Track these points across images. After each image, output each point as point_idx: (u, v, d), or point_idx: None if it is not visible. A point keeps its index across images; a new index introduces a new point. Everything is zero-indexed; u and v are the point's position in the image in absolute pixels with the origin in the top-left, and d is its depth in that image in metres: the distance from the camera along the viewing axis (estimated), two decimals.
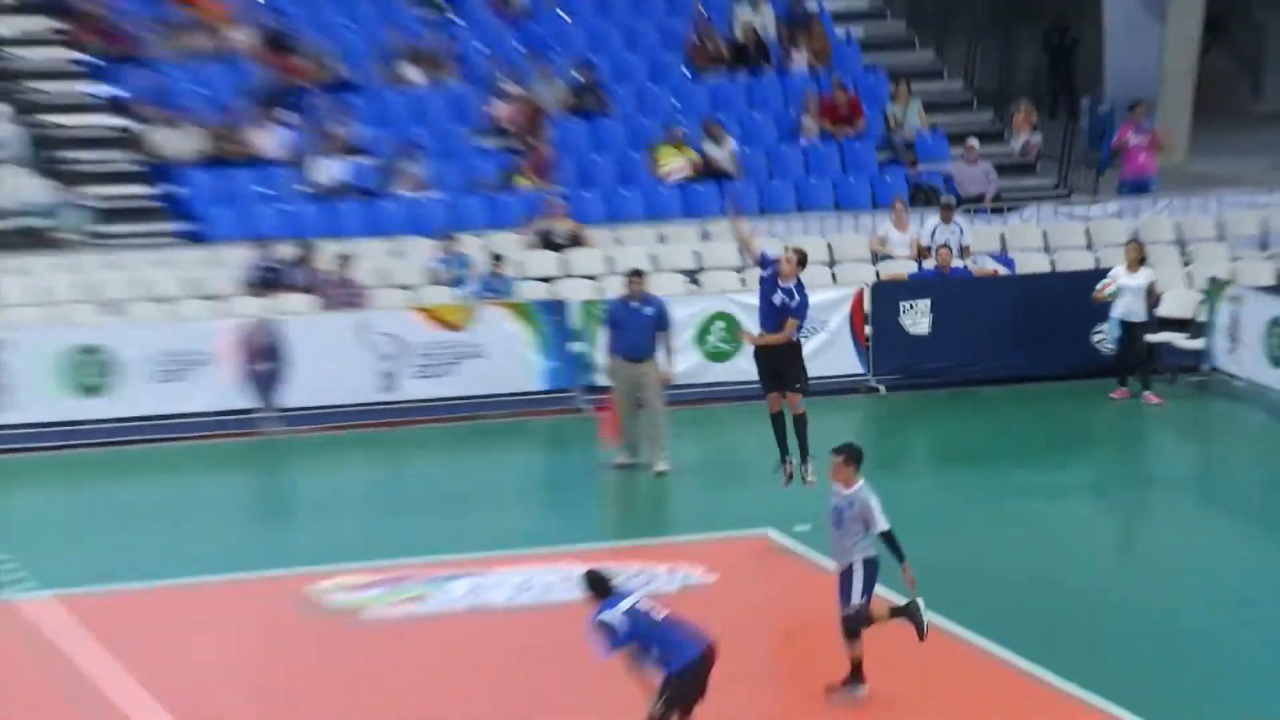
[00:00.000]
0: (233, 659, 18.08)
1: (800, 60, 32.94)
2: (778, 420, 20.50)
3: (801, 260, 20.11)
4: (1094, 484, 24.26)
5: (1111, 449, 25.84)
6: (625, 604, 14.06)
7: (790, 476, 20.80)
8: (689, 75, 32.92)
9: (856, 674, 15.76)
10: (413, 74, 32.17)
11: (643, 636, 13.91)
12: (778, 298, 19.76)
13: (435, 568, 20.14)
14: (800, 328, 20.62)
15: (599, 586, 14.13)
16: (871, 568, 15.71)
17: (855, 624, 15.74)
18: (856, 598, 15.62)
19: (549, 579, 18.85)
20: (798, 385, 20.19)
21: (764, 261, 19.04)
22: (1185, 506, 24.26)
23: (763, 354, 20.31)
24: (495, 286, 27.34)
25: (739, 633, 17.48)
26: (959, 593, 17.85)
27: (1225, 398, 27.11)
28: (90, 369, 25.21)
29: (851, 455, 15.67)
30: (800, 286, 19.84)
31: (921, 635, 15.75)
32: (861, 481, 15.84)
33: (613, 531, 22.36)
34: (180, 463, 25.75)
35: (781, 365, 20.02)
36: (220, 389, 25.37)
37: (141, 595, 19.76)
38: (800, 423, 20.36)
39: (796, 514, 19.81)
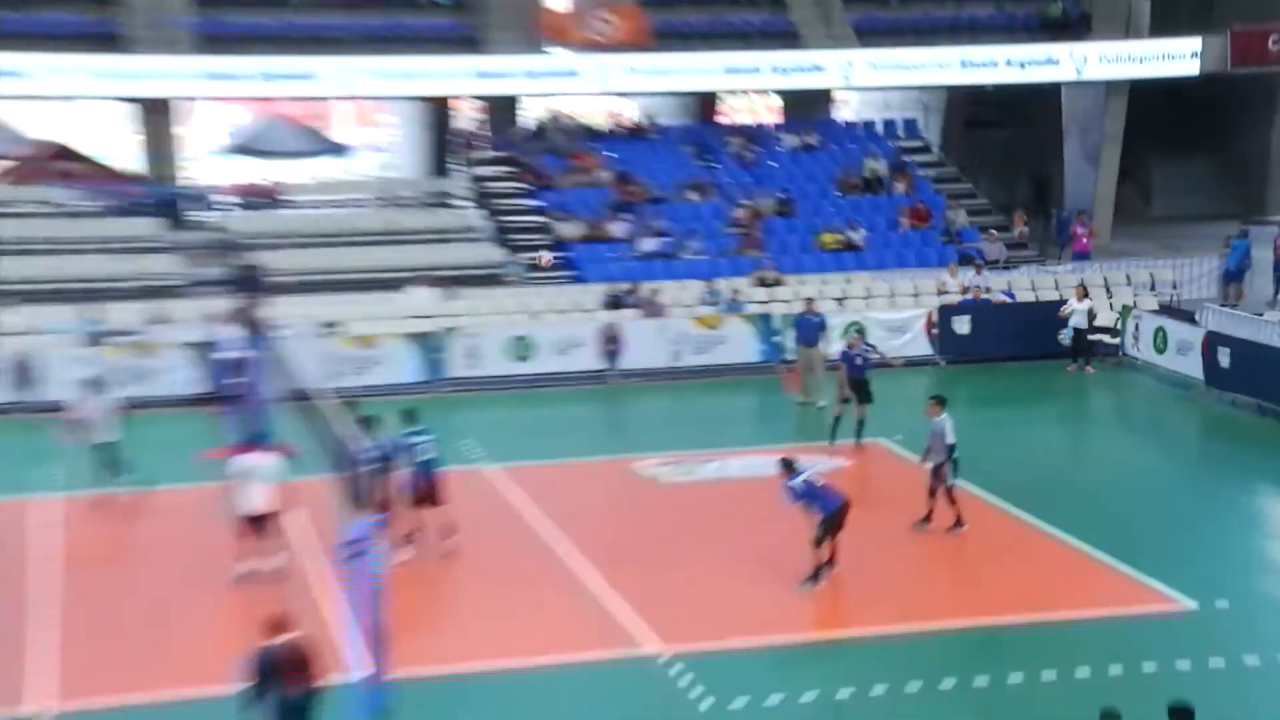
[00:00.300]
0: (596, 501, 22.70)
1: (899, 187, 38.31)
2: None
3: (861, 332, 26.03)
4: (1060, 414, 29.65)
5: (1068, 397, 30.54)
6: (802, 477, 18.14)
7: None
8: (839, 195, 38.28)
9: (957, 520, 20.28)
10: (692, 195, 37.34)
11: (810, 495, 18.08)
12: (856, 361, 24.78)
13: (700, 456, 24.65)
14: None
15: (788, 466, 18.30)
16: (949, 464, 20.10)
17: (938, 483, 20.20)
18: (949, 479, 20.20)
19: (762, 461, 22.23)
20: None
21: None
22: (1108, 426, 29.74)
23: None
24: (734, 307, 32.13)
25: (859, 492, 20.92)
26: (989, 472, 22.12)
27: (1130, 370, 31.48)
28: (521, 347, 30.58)
29: (939, 400, 20.62)
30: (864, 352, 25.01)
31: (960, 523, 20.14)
32: (944, 414, 20.32)
33: (795, 438, 25.77)
34: (569, 398, 29.94)
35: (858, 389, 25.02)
36: (589, 359, 30.69)
37: (548, 467, 24.31)
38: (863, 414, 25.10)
39: (895, 431, 25.52)
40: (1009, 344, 31.75)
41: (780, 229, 36.27)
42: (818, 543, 17.97)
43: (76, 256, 33.32)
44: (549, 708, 15.57)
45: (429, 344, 29.85)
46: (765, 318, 31.37)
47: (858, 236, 35.93)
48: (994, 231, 37.25)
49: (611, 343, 30.69)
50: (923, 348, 31.86)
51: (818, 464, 20.45)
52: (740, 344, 31.19)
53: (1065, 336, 31.09)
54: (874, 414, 25.40)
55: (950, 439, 19.83)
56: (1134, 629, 17.49)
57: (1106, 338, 31.94)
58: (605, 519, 21.82)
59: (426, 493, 19.57)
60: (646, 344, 30.78)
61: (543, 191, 37.13)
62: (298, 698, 12.59)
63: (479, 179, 38.15)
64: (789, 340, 29.88)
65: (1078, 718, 13.54)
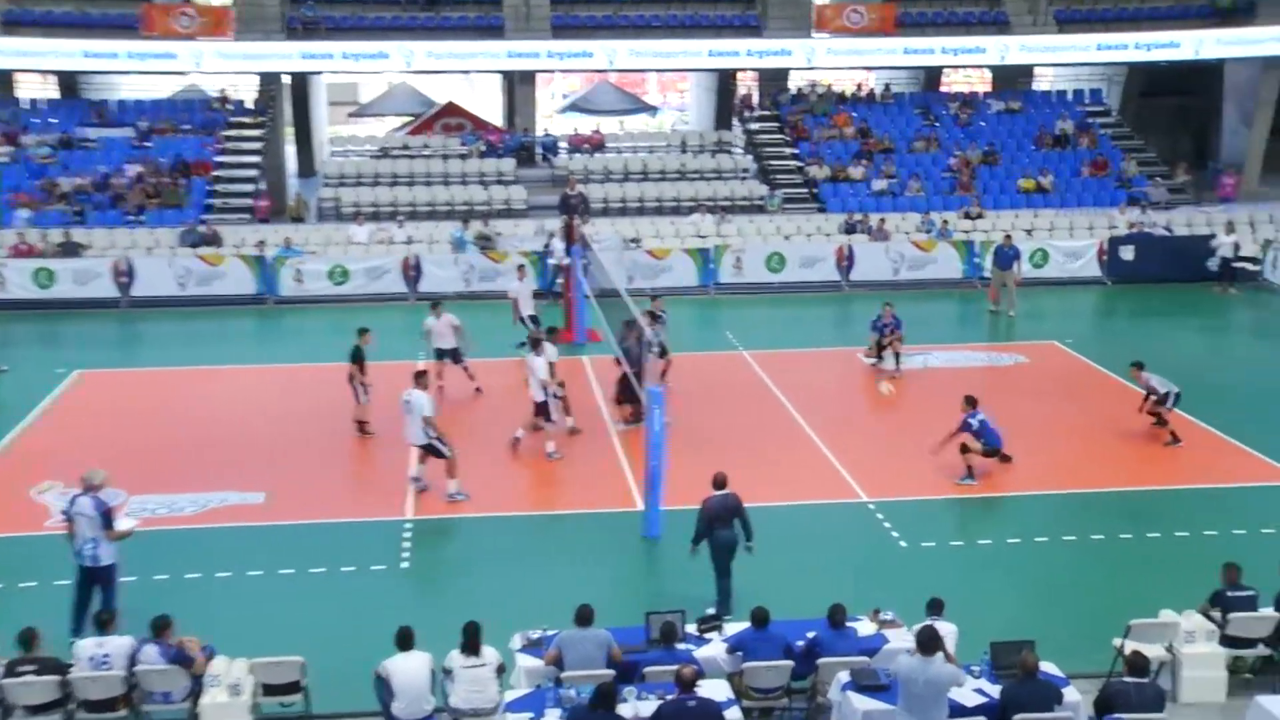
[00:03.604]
0: (826, 381, 22.09)
1: (1084, 143, 36.40)
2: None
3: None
4: (1206, 327, 27.35)
5: (1213, 313, 28.33)
6: (980, 416, 17.11)
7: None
8: (1035, 149, 36.39)
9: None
10: (919, 146, 36.05)
11: (984, 430, 17.08)
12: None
13: (908, 349, 22.93)
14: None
15: (971, 403, 17.17)
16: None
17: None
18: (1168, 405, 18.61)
19: (961, 355, 23.64)
20: None
21: None
22: (1246, 337, 27.25)
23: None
24: (944, 234, 30.82)
25: (1033, 381, 22.13)
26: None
27: (1269, 293, 29.74)
28: (776, 261, 29.41)
29: (1138, 365, 19.07)
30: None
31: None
32: (1145, 373, 18.85)
33: (987, 338, 25.48)
34: (811, 302, 28.73)
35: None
36: (828, 271, 29.60)
37: (791, 354, 23.98)
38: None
39: (1066, 335, 24.88)
40: (1166, 269, 30.03)
41: (985, 175, 34.93)
42: (979, 454, 17.04)
43: (448, 186, 34.48)
44: (787, 534, 15.36)
45: (706, 257, 29.44)
46: (969, 244, 30.10)
47: (1047, 181, 34.43)
48: (1159, 179, 35.72)
49: (848, 260, 29.80)
50: (1094, 270, 30.28)
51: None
52: (948, 264, 30.02)
53: (1214, 263, 29.50)
54: (1049, 320, 24.79)
55: (1164, 389, 18.61)
56: (1257, 500, 16.60)
57: (1249, 265, 29.95)
58: (833, 395, 21.63)
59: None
60: (873, 261, 29.89)
61: (800, 142, 36.54)
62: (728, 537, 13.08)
63: (751, 132, 37.69)
64: (987, 263, 28.73)
65: (1205, 568, 12.90)
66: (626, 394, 19.06)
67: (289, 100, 38.84)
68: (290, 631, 12.50)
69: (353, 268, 28.49)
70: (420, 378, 16.81)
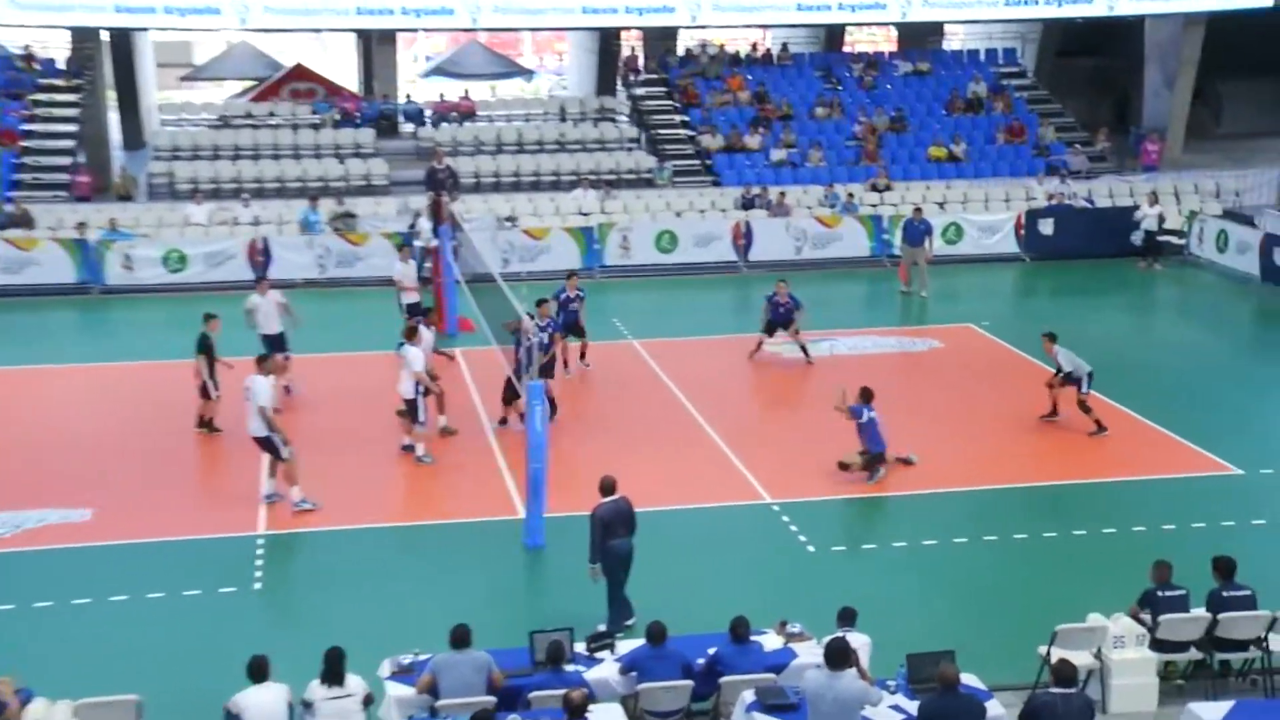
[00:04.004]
0: (723, 372, 22.35)
1: (998, 108, 37.13)
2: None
3: None
4: (1129, 305, 28.10)
5: (1137, 290, 29.10)
6: (872, 415, 17.24)
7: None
8: (945, 114, 37.07)
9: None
10: (820, 112, 36.31)
11: (870, 430, 17.25)
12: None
13: (812, 334, 23.21)
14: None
15: (866, 396, 17.33)
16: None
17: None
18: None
19: (863, 341, 23.93)
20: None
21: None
22: (1171, 315, 28.38)
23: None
24: (850, 209, 31.11)
25: (948, 368, 22.50)
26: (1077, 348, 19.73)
27: (1194, 268, 30.35)
28: (666, 241, 29.80)
29: (1050, 336, 19.41)
30: None
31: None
32: (1058, 348, 19.23)
33: (899, 321, 25.95)
34: (705, 285, 28.88)
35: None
36: (724, 251, 29.88)
37: (684, 343, 24.06)
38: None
39: (983, 318, 25.23)
40: (1087, 243, 30.71)
41: (892, 143, 35.54)
42: (862, 459, 17.31)
43: (299, 160, 34.01)
44: (685, 540, 15.58)
45: (589, 236, 29.47)
46: (876, 219, 30.57)
47: (959, 150, 35.13)
48: (1078, 146, 36.44)
49: (744, 238, 30.04)
50: (1011, 246, 30.96)
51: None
52: (855, 241, 30.37)
53: (1137, 237, 30.18)
54: (964, 301, 25.47)
55: (1070, 367, 19.02)
56: (1186, 492, 17.07)
57: (1174, 239, 30.82)
58: (733, 387, 21.80)
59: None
60: (774, 239, 30.13)
61: (690, 109, 36.79)
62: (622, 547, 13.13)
63: (637, 98, 37.84)
64: (896, 239, 29.14)
65: (1134, 566, 13.23)
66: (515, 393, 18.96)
67: (110, 60, 37.70)
68: (124, 667, 12.24)
69: (191, 252, 28.03)
70: (263, 362, 16.66)
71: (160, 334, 23.82)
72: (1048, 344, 19.19)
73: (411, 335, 18.17)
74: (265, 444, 16.10)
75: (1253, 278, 28.19)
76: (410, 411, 17.81)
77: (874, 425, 17.02)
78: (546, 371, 18.36)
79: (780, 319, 22.40)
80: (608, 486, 13.17)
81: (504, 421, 18.89)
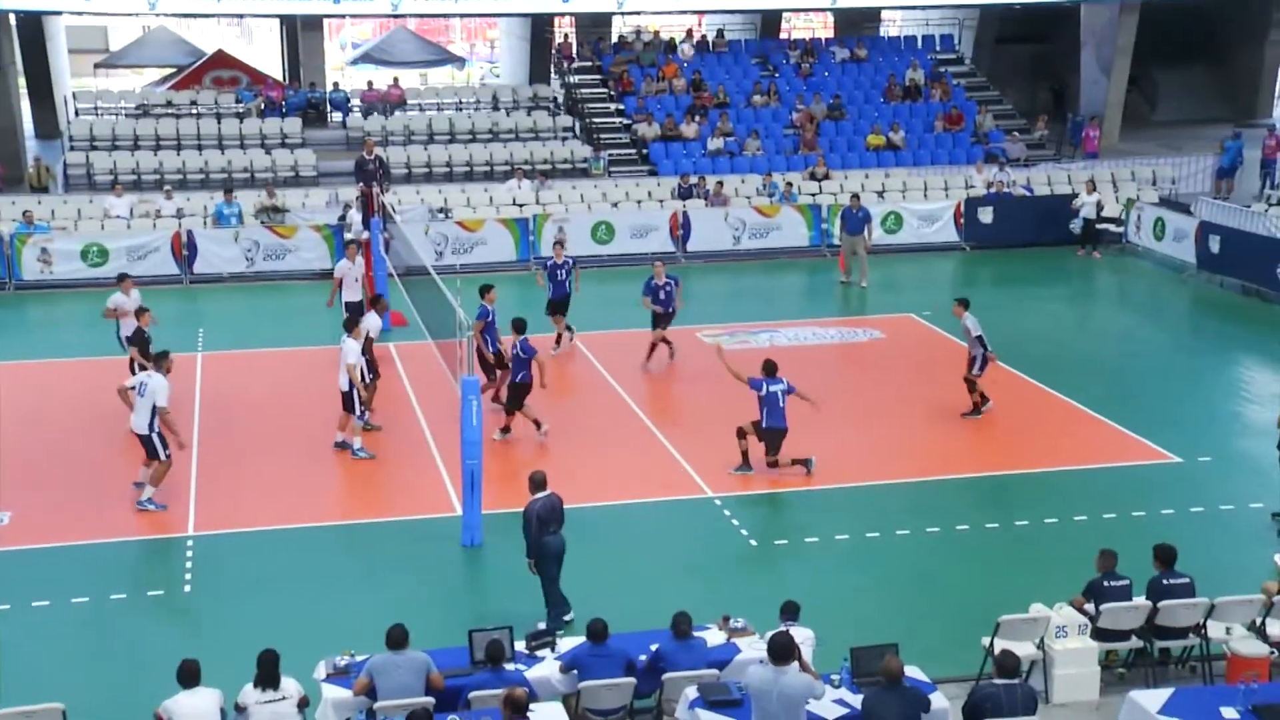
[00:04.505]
0: (654, 363, 22.13)
1: (936, 95, 37.30)
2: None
3: None
4: (1068, 293, 28.52)
5: (1076, 278, 29.47)
6: (776, 388, 17.09)
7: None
8: (883, 101, 37.26)
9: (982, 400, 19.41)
10: (758, 100, 36.45)
11: (770, 404, 17.03)
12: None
13: (754, 326, 24.39)
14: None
15: (770, 370, 17.27)
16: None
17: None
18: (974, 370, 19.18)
19: (803, 332, 24.00)
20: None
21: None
22: (1110, 303, 28.56)
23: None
24: (788, 198, 31.25)
25: (890, 359, 22.56)
26: (1003, 344, 20.64)
27: (1132, 255, 30.67)
28: (603, 231, 29.80)
29: (962, 302, 19.59)
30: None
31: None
32: (967, 314, 19.30)
33: (839, 311, 26.03)
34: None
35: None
36: (661, 241, 29.96)
37: (612, 335, 23.86)
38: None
39: (924, 308, 25.45)
40: (1026, 232, 31.22)
41: (830, 131, 35.69)
42: (741, 435, 17.16)
43: (223, 151, 33.65)
44: (625, 536, 15.66)
45: (524, 228, 29.38)
46: (816, 209, 30.70)
47: (898, 138, 35.36)
48: (1016, 133, 36.79)
49: (683, 229, 30.23)
50: (951, 234, 31.30)
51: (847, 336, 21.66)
52: (793, 230, 30.53)
53: (1076, 225, 30.61)
54: (904, 291, 25.50)
55: (977, 332, 18.96)
56: (1126, 480, 17.28)
57: (1112, 227, 31.31)
58: (673, 380, 21.85)
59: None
60: (712, 229, 30.31)
61: (625, 97, 36.85)
62: (556, 543, 13.18)
63: (571, 86, 37.80)
64: (835, 228, 29.33)
65: (1076, 555, 13.62)
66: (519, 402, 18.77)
67: (18, 45, 37.03)
68: (47, 675, 12.11)
69: (112, 246, 27.71)
70: (162, 360, 16.42)
71: (80, 331, 23.56)
72: (958, 309, 19.18)
73: (351, 328, 17.99)
74: (146, 443, 15.95)
75: (1189, 265, 28.50)
76: (347, 405, 17.68)
77: (775, 399, 16.82)
78: (516, 400, 18.36)
79: (664, 304, 21.90)
80: (539, 482, 13.20)
81: (506, 430, 18.53)
